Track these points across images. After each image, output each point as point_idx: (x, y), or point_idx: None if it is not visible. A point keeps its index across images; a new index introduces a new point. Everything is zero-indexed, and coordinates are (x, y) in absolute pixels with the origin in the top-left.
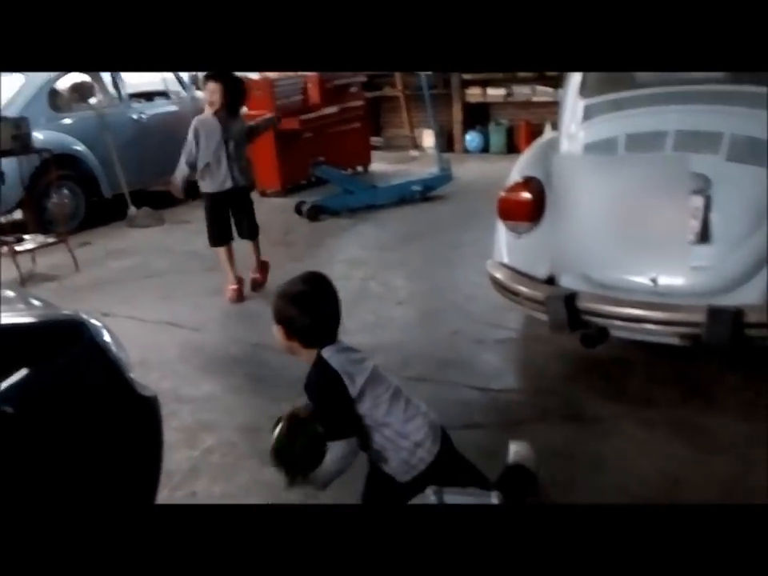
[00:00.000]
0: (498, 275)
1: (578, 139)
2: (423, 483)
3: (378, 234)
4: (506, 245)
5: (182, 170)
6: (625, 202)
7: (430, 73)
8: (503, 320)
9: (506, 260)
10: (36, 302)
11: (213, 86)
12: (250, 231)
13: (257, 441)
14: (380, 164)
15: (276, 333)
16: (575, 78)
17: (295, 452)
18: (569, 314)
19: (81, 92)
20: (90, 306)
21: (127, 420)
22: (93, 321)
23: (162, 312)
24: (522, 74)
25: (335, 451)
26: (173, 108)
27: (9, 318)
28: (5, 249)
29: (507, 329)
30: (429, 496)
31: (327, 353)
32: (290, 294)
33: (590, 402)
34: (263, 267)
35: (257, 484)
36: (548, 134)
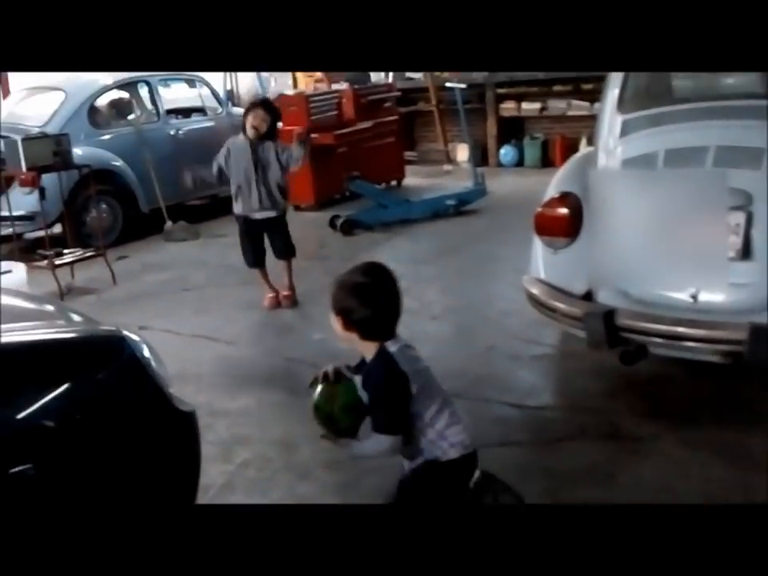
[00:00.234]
0: (535, 291)
1: (615, 155)
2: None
3: (412, 248)
4: (542, 260)
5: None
6: (664, 217)
7: (464, 87)
8: (539, 336)
9: (542, 275)
10: (76, 317)
11: (261, 113)
12: (285, 252)
13: (292, 455)
14: (414, 178)
15: (334, 323)
16: (613, 93)
17: (335, 412)
18: (607, 330)
19: (120, 108)
20: (126, 319)
21: (166, 435)
22: (133, 336)
23: (198, 325)
24: (557, 88)
25: (380, 443)
26: (209, 124)
27: (51, 334)
28: (45, 262)
29: (544, 345)
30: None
31: (392, 348)
32: (350, 283)
33: (628, 421)
34: (292, 288)
35: (292, 498)
36: (584, 149)
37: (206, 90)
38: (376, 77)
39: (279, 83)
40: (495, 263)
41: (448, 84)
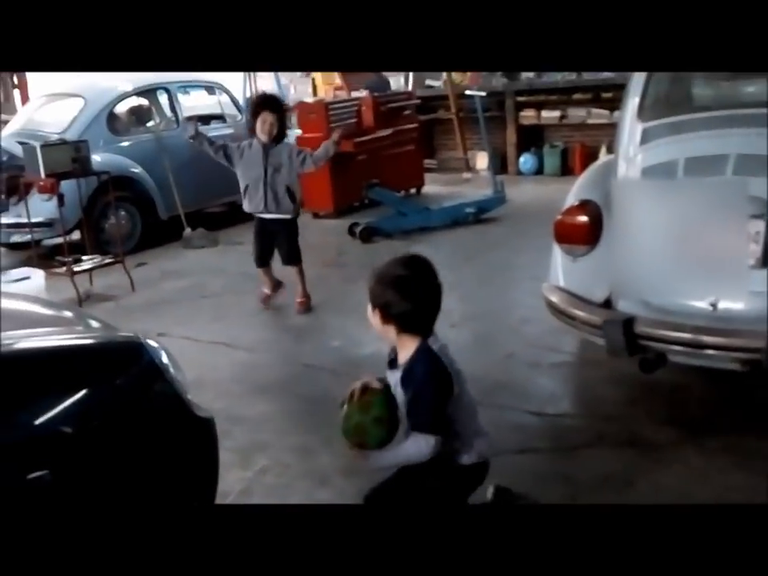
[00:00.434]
0: (554, 298)
1: (635, 163)
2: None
3: (432, 255)
4: (562, 268)
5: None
6: (684, 225)
7: (483, 94)
8: (558, 343)
9: (562, 283)
10: (95, 323)
11: (269, 116)
12: (290, 258)
13: (310, 462)
14: (433, 186)
15: (371, 317)
16: (633, 101)
17: (367, 425)
18: (627, 338)
19: (139, 115)
20: (145, 326)
21: (184, 441)
22: (151, 342)
23: (216, 332)
24: (576, 96)
25: (420, 445)
26: (228, 131)
27: (69, 340)
28: (63, 269)
29: (562, 352)
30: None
31: (435, 346)
32: (390, 276)
33: (647, 428)
34: (306, 295)
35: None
36: (604, 157)
37: (225, 98)
38: (396, 84)
39: (299, 91)
40: (514, 271)
41: (468, 92)
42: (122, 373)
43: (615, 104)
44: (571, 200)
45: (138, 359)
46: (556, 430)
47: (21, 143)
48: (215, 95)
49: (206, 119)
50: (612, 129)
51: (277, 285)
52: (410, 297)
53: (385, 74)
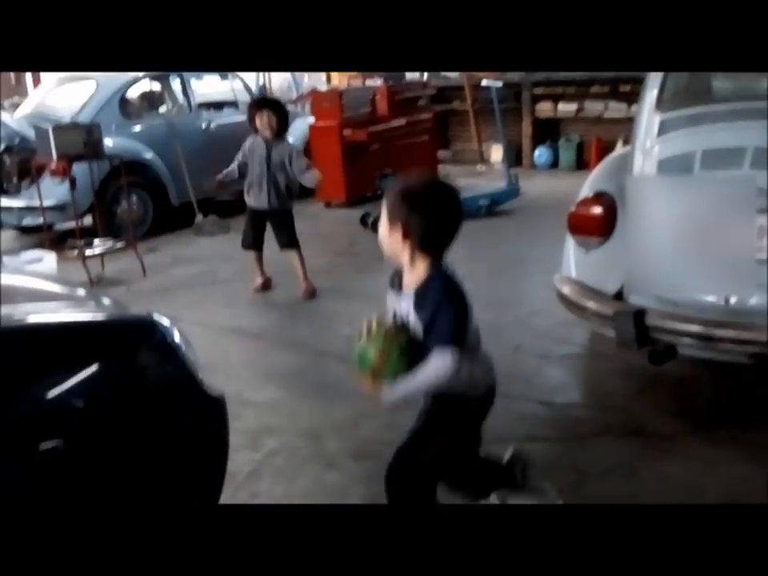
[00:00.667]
0: (566, 290)
1: (652, 155)
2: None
3: None
4: (574, 259)
5: (230, 172)
6: (699, 218)
7: (500, 86)
8: (568, 335)
9: (574, 275)
10: (106, 302)
11: (268, 114)
12: (288, 242)
13: (319, 445)
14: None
15: (386, 233)
16: (652, 92)
17: (391, 352)
18: (637, 330)
19: (151, 100)
20: (156, 311)
21: (195, 418)
22: (163, 320)
23: (227, 318)
24: (594, 89)
25: (443, 360)
26: (241, 118)
27: (83, 316)
28: (75, 253)
29: (572, 344)
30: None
31: (449, 269)
32: (415, 192)
33: (655, 419)
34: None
35: (318, 487)
36: (619, 149)
37: (238, 84)
38: (411, 74)
39: (312, 78)
40: (526, 264)
41: (484, 83)
42: (135, 349)
43: (633, 97)
44: (586, 191)
45: (151, 336)
46: (564, 419)
47: (33, 126)
48: (228, 80)
49: (218, 105)
50: (629, 124)
51: (267, 281)
52: (435, 214)
53: None
